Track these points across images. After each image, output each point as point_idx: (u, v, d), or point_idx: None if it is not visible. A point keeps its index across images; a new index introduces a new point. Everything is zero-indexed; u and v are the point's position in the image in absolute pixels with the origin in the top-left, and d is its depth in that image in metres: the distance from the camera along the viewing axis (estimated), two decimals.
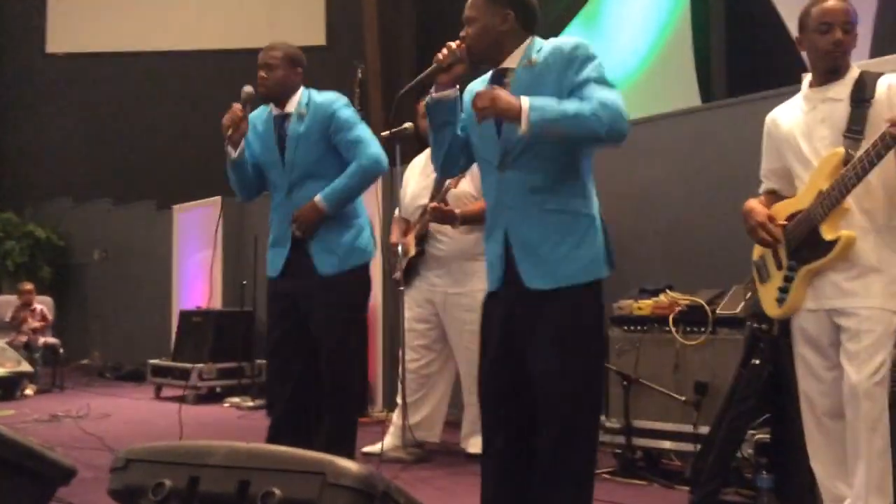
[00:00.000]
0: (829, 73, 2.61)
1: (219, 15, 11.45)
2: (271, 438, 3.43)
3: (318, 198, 3.38)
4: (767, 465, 3.22)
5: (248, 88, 3.36)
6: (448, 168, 2.69)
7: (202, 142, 10.68)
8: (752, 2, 6.72)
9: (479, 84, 2.57)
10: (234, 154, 3.37)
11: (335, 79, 5.68)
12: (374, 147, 3.46)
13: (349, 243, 3.45)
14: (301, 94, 3.50)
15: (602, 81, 2.33)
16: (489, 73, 2.55)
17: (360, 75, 6.01)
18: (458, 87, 2.50)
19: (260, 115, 3.57)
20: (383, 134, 4.48)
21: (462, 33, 2.49)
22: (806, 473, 2.75)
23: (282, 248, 3.48)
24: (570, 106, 2.27)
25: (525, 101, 2.26)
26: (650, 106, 6.01)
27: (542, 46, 2.45)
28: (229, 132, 3.32)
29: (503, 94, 2.29)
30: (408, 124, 4.39)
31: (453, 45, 2.45)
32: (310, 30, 11.16)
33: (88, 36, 11.69)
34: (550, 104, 2.27)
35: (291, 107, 3.48)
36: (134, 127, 11.45)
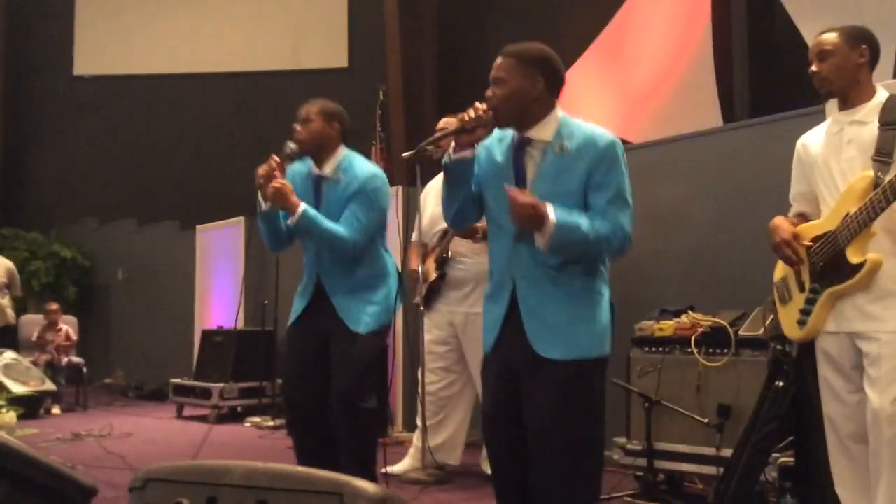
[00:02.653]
0: (826, 98, 2.78)
1: (243, 38, 11.57)
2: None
3: (301, 209, 3.30)
4: (791, 489, 3.18)
5: (291, 144, 3.35)
6: (459, 222, 2.71)
7: (225, 163, 10.79)
8: (775, 23, 6.71)
9: (495, 140, 2.54)
10: (265, 206, 3.34)
11: (357, 101, 5.73)
12: (363, 235, 3.39)
13: (379, 303, 3.44)
14: (342, 158, 3.45)
15: (622, 199, 2.42)
16: (507, 130, 2.51)
17: (381, 97, 6.06)
18: (475, 146, 2.48)
19: (301, 171, 3.50)
20: (405, 154, 4.48)
21: (488, 93, 2.43)
22: (830, 498, 2.72)
23: (304, 298, 3.48)
24: (590, 231, 2.35)
25: (551, 223, 2.31)
26: (671, 127, 5.99)
27: (572, 131, 2.43)
28: (263, 183, 3.28)
29: (534, 211, 2.32)
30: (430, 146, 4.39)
31: (480, 108, 2.41)
32: (332, 52, 11.25)
33: (115, 58, 11.86)
34: (575, 230, 2.34)
35: (329, 167, 3.43)
36: (158, 148, 11.58)
